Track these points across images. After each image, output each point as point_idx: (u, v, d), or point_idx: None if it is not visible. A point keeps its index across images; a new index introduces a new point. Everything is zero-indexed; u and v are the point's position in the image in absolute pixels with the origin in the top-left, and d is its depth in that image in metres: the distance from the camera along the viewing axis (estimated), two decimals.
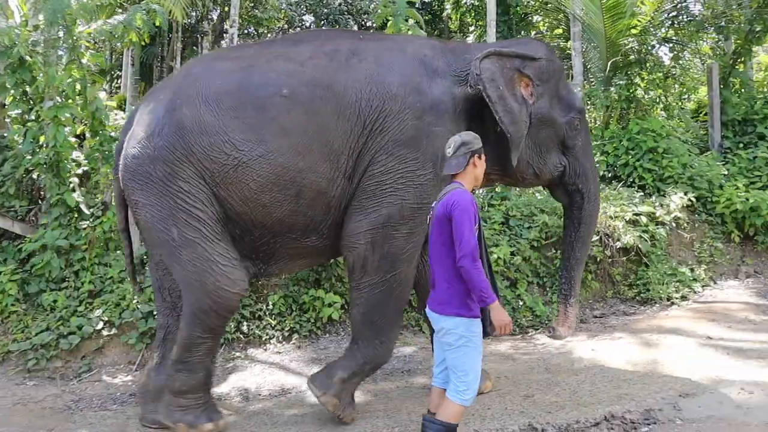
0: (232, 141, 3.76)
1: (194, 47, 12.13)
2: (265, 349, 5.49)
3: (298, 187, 3.83)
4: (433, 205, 3.40)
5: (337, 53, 4.08)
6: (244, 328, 5.55)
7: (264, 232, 3.97)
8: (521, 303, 6.00)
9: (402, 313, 4.42)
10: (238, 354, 5.41)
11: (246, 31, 14.25)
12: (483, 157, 3.39)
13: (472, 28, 11.43)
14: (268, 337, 5.55)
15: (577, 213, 4.63)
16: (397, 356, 5.32)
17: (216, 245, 3.84)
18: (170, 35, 10.93)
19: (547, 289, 6.32)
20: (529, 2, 10.77)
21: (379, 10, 7.06)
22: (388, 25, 7.06)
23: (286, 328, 5.63)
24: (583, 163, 4.58)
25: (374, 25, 12.49)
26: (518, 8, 10.73)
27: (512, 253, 6.15)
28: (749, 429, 3.60)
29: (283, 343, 5.56)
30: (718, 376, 4.44)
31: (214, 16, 12.83)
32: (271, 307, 5.69)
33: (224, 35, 11.96)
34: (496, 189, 7.32)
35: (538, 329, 5.83)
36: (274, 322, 5.63)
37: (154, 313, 5.35)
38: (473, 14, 11.06)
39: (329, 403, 4.00)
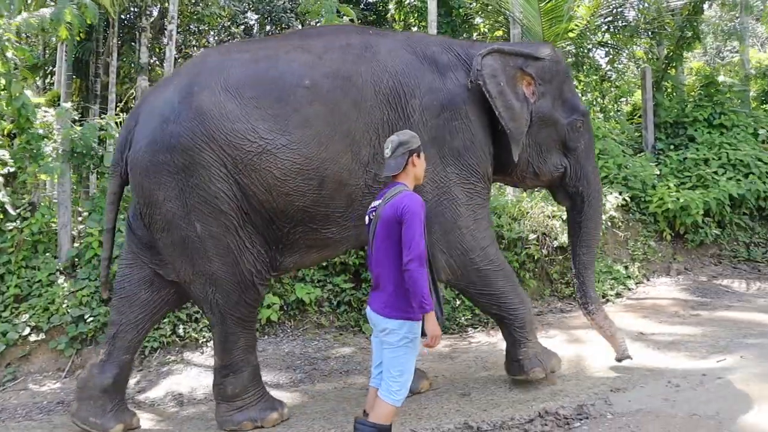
0: (255, 129, 3.75)
1: (132, 43, 11.79)
2: (202, 352, 5.38)
3: (321, 177, 3.83)
4: (374, 205, 3.32)
5: (351, 47, 4.11)
6: (180, 331, 5.42)
7: (285, 222, 3.94)
8: (459, 302, 6.04)
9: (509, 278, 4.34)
10: (173, 358, 5.29)
11: (188, 28, 13.97)
12: (422, 155, 3.34)
13: (415, 29, 11.47)
14: (204, 339, 5.43)
15: (578, 217, 4.70)
16: (336, 357, 5.30)
17: (241, 237, 3.85)
18: (107, 31, 10.60)
19: None
20: (471, 4, 10.87)
21: (310, 7, 7.02)
22: (322, 21, 7.03)
23: None
24: (584, 165, 4.61)
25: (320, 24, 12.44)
26: (460, 10, 10.83)
27: None
28: (675, 421, 3.69)
29: None
30: (648, 370, 4.56)
31: (155, 12, 12.52)
32: None
33: (164, 32, 11.67)
34: None
35: (476, 328, 5.88)
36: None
37: (86, 317, 5.20)
38: (416, 15, 11.12)
39: (538, 374, 4.28)
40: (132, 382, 4.80)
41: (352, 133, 3.89)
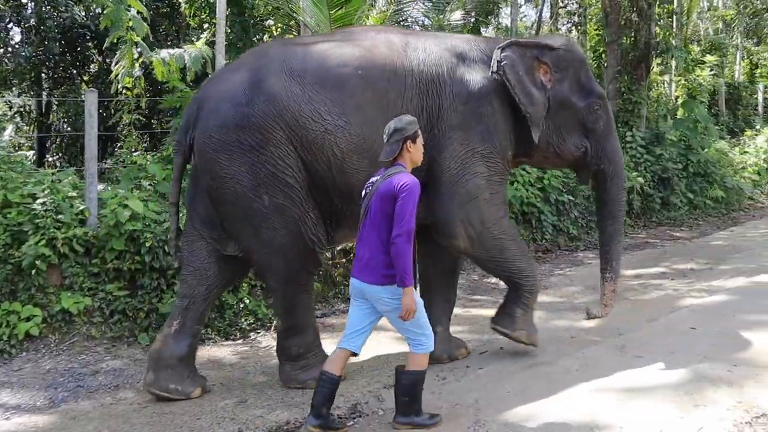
0: (319, 111, 4.23)
1: None
2: None
3: (372, 157, 4.16)
4: (372, 180, 3.68)
5: (393, 43, 4.63)
6: None
7: (340, 198, 4.40)
8: (242, 306, 5.94)
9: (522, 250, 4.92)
10: None
11: None
12: (418, 141, 3.71)
13: (206, 26, 11.10)
14: None
15: (603, 194, 5.25)
16: (105, 371, 4.93)
17: (305, 209, 4.30)
18: None
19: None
20: (265, 5, 10.78)
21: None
22: (105, 12, 6.57)
23: None
24: (604, 145, 5.11)
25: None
26: (254, 11, 10.70)
27: None
28: (440, 411, 3.93)
29: None
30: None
31: None
32: None
33: None
34: None
35: (260, 332, 5.82)
36: None
37: None
38: (207, 11, 10.77)
39: (521, 336, 4.74)
40: None
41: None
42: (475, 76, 4.65)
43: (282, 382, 4.51)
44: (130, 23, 6.84)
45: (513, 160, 4.98)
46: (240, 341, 5.64)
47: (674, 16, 18.06)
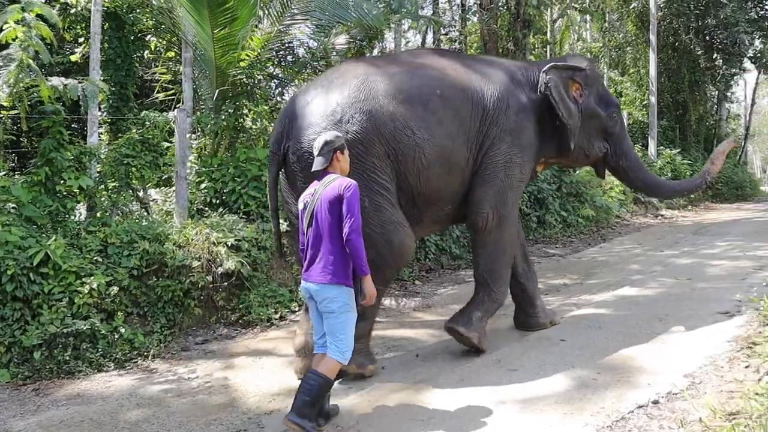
0: (410, 126, 4.84)
1: None
2: None
3: (449, 164, 5.07)
4: (310, 192, 4.01)
5: (456, 67, 5.40)
6: None
7: (423, 201, 5.09)
8: (117, 336, 5.65)
9: (510, 266, 5.70)
10: None
11: None
12: (345, 152, 4.13)
13: (81, 39, 10.60)
14: None
15: (629, 183, 6.62)
16: None
17: (397, 211, 4.87)
18: None
19: (149, 318, 6.09)
20: (145, 22, 10.43)
21: None
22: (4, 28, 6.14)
23: None
24: (621, 145, 6.25)
25: None
26: (134, 26, 10.33)
27: (109, 283, 5.78)
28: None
29: None
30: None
31: None
32: None
33: None
34: (97, 215, 6.86)
35: (136, 362, 5.56)
36: None
37: None
38: (83, 25, 10.29)
39: (473, 337, 5.23)
40: None
41: (468, 131, 5.17)
42: (521, 96, 5.56)
43: (299, 371, 4.88)
44: (29, 44, 6.35)
45: (546, 162, 6.13)
46: (114, 372, 5.35)
47: (548, 46, 19.28)
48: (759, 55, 23.65)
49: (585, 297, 7.36)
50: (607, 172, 6.50)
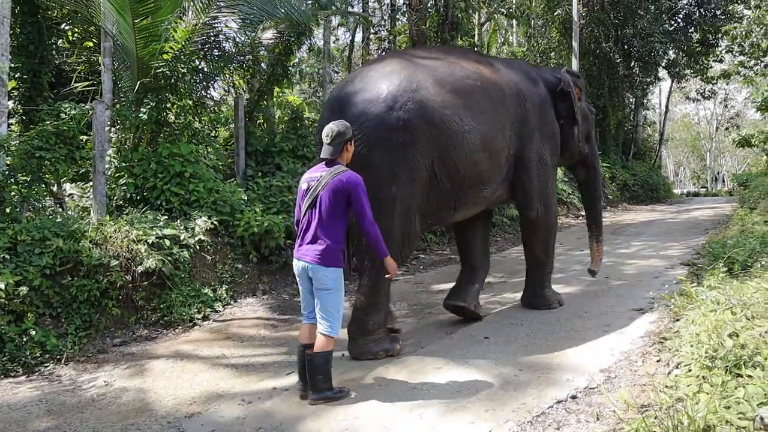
0: (458, 114, 5.26)
1: None
2: None
3: (490, 149, 5.56)
4: (316, 176, 4.27)
5: (485, 63, 5.98)
6: None
7: (467, 184, 5.49)
8: (27, 339, 5.34)
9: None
10: None
11: None
12: (353, 142, 4.42)
13: None
14: None
15: (593, 183, 7.23)
16: None
17: (418, 202, 5.18)
18: None
19: (62, 320, 5.79)
20: (61, 8, 9.92)
21: None
22: None
23: None
24: (594, 148, 7.18)
25: None
26: (48, 12, 9.82)
27: (18, 283, 5.46)
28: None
29: None
30: (224, 391, 4.67)
31: None
32: None
33: None
34: (5, 210, 6.48)
35: (47, 366, 5.28)
36: None
37: None
38: None
39: (555, 305, 6.60)
40: None
41: (503, 120, 5.72)
42: (540, 92, 6.26)
43: (353, 355, 5.16)
44: None
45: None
46: (22, 377, 5.07)
47: (475, 49, 19.60)
48: (672, 64, 24.89)
49: (508, 295, 7.51)
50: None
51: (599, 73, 23.64)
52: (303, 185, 4.36)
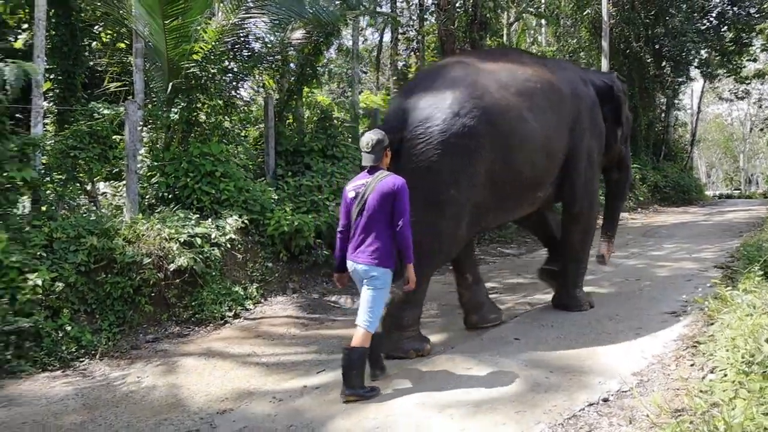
0: (521, 118, 5.36)
1: None
2: None
3: (548, 151, 5.67)
4: (362, 183, 4.47)
5: (542, 65, 6.15)
6: None
7: (524, 186, 5.63)
8: (63, 334, 5.44)
9: None
10: None
11: None
12: (389, 149, 4.61)
13: (25, 26, 10.20)
14: None
15: (623, 183, 7.35)
16: None
17: (473, 206, 5.25)
18: None
19: (97, 316, 5.89)
20: (94, 10, 10.10)
21: None
22: None
23: None
24: (629, 150, 7.42)
25: None
26: (81, 14, 10.01)
27: (54, 279, 5.56)
28: (276, 431, 3.87)
29: None
30: (255, 389, 4.72)
31: None
32: None
33: None
34: (42, 208, 6.60)
35: (83, 361, 5.37)
36: None
37: None
38: (27, 10, 9.90)
39: (587, 308, 6.53)
40: None
41: (560, 121, 5.82)
42: (591, 93, 6.40)
43: (385, 351, 5.01)
44: None
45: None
46: (59, 372, 5.16)
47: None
48: (704, 64, 24.46)
49: (538, 296, 7.45)
50: None
51: (629, 73, 23.31)
52: (350, 193, 4.54)
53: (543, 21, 24.11)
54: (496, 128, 5.21)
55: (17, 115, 9.07)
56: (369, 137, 4.51)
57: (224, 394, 4.63)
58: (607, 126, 6.63)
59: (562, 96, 5.91)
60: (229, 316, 6.67)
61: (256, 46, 10.23)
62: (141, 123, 8.13)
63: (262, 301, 7.37)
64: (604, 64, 19.86)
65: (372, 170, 4.50)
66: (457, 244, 5.38)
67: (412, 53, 17.52)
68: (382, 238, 4.38)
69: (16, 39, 10.30)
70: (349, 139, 10.93)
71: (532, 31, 25.89)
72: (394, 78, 16.16)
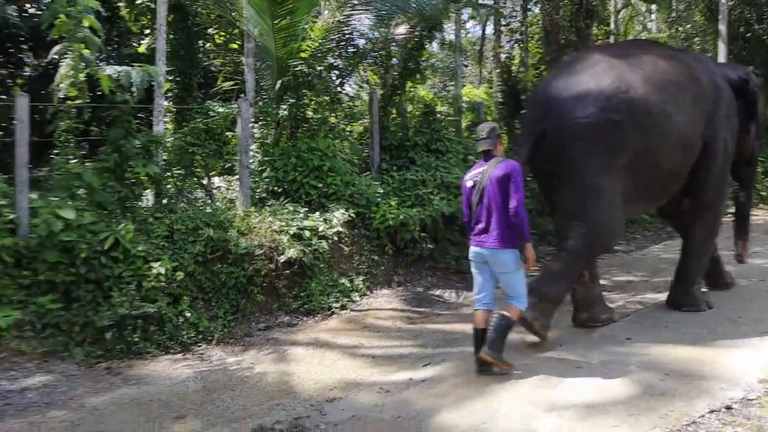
0: (664, 112, 5.42)
1: None
2: None
3: (688, 144, 5.73)
4: (479, 171, 4.76)
5: (682, 58, 6.18)
6: None
7: (663, 180, 5.75)
8: (183, 320, 5.76)
9: None
10: None
11: None
12: (501, 138, 4.95)
13: (147, 31, 10.85)
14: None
15: (750, 180, 7.22)
16: (36, 388, 4.70)
17: (620, 196, 5.39)
18: None
19: (213, 303, 6.20)
20: (207, 14, 10.60)
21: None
22: (57, 23, 6.40)
23: None
24: (757, 147, 7.11)
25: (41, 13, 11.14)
26: (196, 18, 10.52)
27: (175, 268, 5.90)
28: (382, 424, 3.96)
29: None
30: (362, 379, 4.81)
31: None
32: None
33: None
34: (163, 201, 7.02)
35: (201, 346, 5.67)
36: None
37: None
38: (149, 17, 10.53)
39: (704, 306, 6.22)
40: None
41: (700, 114, 5.78)
42: (726, 87, 6.32)
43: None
44: (82, 35, 6.63)
45: None
46: (179, 355, 5.48)
47: (611, 37, 18.75)
48: None
49: (650, 295, 7.11)
50: None
51: (751, 59, 21.77)
52: (468, 183, 4.83)
53: (653, 6, 22.91)
54: (640, 123, 5.28)
55: (139, 115, 9.69)
56: (484, 125, 4.91)
57: (332, 383, 4.75)
58: (740, 120, 6.49)
59: (701, 90, 5.89)
60: (336, 308, 6.82)
61: (361, 42, 10.38)
62: (252, 120, 8.45)
63: (368, 293, 7.47)
64: (722, 50, 18.64)
65: (487, 158, 4.77)
66: (618, 229, 5.67)
67: (516, 45, 17.13)
68: (503, 222, 4.58)
69: (140, 44, 10.96)
70: (453, 134, 10.87)
71: (642, 18, 24.69)
72: (498, 71, 15.83)
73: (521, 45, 16.89)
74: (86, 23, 6.67)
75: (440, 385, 4.59)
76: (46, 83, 8.85)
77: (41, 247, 5.39)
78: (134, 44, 11.27)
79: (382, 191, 8.52)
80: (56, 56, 6.92)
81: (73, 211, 5.61)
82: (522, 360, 4.99)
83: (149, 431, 3.99)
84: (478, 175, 4.77)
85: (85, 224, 5.65)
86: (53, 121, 6.85)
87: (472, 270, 4.88)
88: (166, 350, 5.50)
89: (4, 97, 11.46)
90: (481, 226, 4.70)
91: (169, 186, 7.17)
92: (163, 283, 5.75)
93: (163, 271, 5.72)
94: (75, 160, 6.79)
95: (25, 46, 11.40)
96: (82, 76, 6.54)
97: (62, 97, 6.69)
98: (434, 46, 16.28)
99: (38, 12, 11.64)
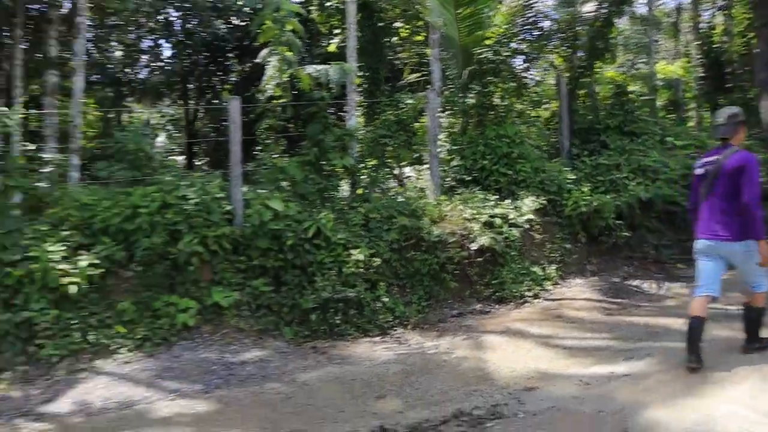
0: None
1: (40, 34, 11.19)
2: (114, 360, 5.13)
3: None
4: (710, 160, 4.43)
5: None
6: (91, 338, 5.15)
7: None
8: (380, 304, 6.02)
9: None
10: (82, 366, 5.00)
11: (103, 23, 13.37)
12: (744, 126, 4.49)
13: (337, 32, 11.43)
14: (117, 346, 5.20)
15: None
16: (253, 362, 5.18)
17: None
18: (13, 20, 10.03)
19: (407, 289, 6.40)
20: (393, 9, 10.92)
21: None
22: (263, 29, 7.01)
23: (138, 336, 5.30)
24: None
25: (244, 24, 12.22)
26: (381, 14, 10.88)
27: (372, 255, 6.17)
28: (583, 417, 3.82)
29: (135, 352, 5.21)
30: (558, 370, 4.69)
31: (66, 3, 11.93)
32: (120, 313, 5.36)
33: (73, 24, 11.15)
34: (358, 191, 7.36)
35: (397, 330, 5.88)
36: (123, 330, 5.29)
37: None
38: (338, 18, 11.08)
39: None
40: (36, 392, 4.58)
41: None
42: None
43: None
44: (285, 39, 7.24)
45: None
46: (377, 338, 5.73)
47: None
48: None
49: None
50: None
51: None
52: (699, 170, 4.55)
53: None
54: None
55: (330, 110, 10.26)
56: (724, 110, 4.55)
57: (529, 373, 4.69)
58: None
59: None
60: (529, 296, 6.72)
61: (545, 24, 10.09)
62: (439, 110, 8.57)
63: (561, 282, 7.26)
64: None
65: (723, 146, 4.42)
66: None
67: (718, 11, 15.61)
68: (735, 213, 4.28)
69: (329, 44, 11.57)
70: (648, 114, 10.19)
71: None
72: (697, 42, 14.55)
73: (724, 11, 15.35)
74: (289, 27, 7.19)
75: (645, 380, 4.32)
76: (248, 86, 9.71)
77: (254, 235, 5.91)
78: (323, 44, 11.92)
79: (573, 177, 8.23)
80: (261, 60, 7.56)
81: (282, 202, 6.07)
82: (741, 363, 4.55)
83: (354, 407, 4.21)
84: (710, 164, 4.44)
85: (291, 214, 6.09)
86: (259, 120, 7.49)
87: (698, 259, 4.54)
88: (365, 333, 5.78)
89: (216, 101, 12.71)
90: (712, 217, 4.40)
91: (363, 176, 7.50)
92: (361, 269, 6.04)
93: (361, 257, 6.01)
94: (277, 156, 7.35)
95: (231, 54, 12.54)
96: (285, 77, 7.06)
97: (268, 97, 7.28)
98: (623, 22, 15.30)
99: (242, 23, 12.80)
